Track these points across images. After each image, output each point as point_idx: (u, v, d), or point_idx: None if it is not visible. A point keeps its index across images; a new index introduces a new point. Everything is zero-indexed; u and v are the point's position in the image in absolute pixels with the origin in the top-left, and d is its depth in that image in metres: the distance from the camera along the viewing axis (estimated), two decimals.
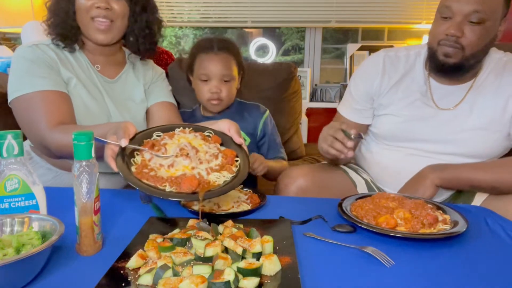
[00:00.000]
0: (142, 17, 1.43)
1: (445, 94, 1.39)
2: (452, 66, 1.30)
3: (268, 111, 1.78)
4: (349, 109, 1.55)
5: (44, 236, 0.82)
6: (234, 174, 1.04)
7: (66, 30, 1.36)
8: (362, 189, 1.48)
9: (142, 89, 1.54)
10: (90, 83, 1.42)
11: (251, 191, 1.25)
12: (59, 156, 1.35)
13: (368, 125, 1.54)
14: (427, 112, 1.39)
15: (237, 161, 1.07)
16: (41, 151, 1.42)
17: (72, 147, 0.83)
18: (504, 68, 1.36)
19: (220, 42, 1.62)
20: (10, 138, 0.86)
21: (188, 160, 1.01)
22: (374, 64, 1.49)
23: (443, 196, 1.40)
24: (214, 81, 1.59)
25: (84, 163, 0.84)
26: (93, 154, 0.85)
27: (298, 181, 1.36)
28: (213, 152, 1.06)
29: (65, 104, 1.33)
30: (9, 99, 1.34)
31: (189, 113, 1.79)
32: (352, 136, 1.20)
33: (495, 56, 1.38)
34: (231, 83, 1.63)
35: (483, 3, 1.22)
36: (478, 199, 1.32)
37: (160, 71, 1.66)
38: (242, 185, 1.29)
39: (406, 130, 1.40)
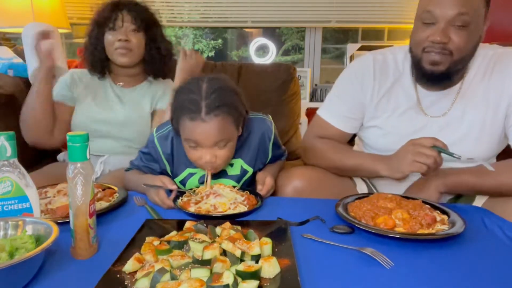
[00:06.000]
0: (154, 45, 1.80)
1: (434, 101, 1.34)
2: (440, 74, 1.24)
3: (273, 126, 1.41)
4: (337, 116, 1.45)
5: (38, 240, 0.81)
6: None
7: (95, 61, 1.77)
8: (361, 188, 1.47)
9: (149, 104, 1.82)
10: (106, 97, 1.81)
11: (248, 192, 1.24)
12: None
13: (351, 135, 1.48)
14: (419, 122, 1.35)
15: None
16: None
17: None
18: (490, 64, 1.30)
19: (210, 97, 1.19)
20: (3, 140, 0.85)
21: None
22: (365, 69, 1.41)
23: (444, 198, 1.37)
24: (206, 150, 1.22)
25: (79, 165, 0.84)
26: (88, 156, 0.84)
27: (293, 182, 1.33)
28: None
29: (61, 112, 1.76)
30: None
31: None
32: (456, 155, 1.12)
33: (479, 53, 1.30)
34: (229, 145, 1.25)
35: (467, 5, 1.16)
36: (479, 201, 1.30)
37: (168, 88, 1.86)
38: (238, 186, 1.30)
39: (398, 143, 1.28)
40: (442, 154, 1.16)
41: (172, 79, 1.83)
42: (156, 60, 1.82)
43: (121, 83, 1.86)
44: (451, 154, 1.13)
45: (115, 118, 1.75)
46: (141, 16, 1.74)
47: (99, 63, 1.79)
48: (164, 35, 1.86)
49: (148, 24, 1.77)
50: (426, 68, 1.25)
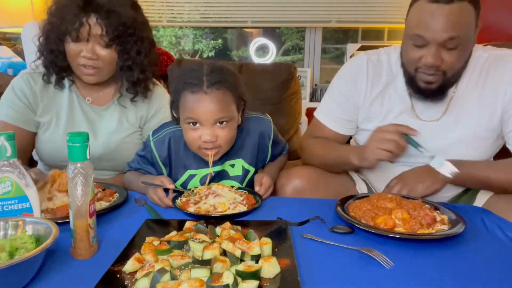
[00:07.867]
0: (125, 64, 1.42)
1: (428, 106, 1.32)
2: (434, 90, 1.24)
3: (272, 126, 1.40)
4: (332, 118, 1.44)
5: (38, 240, 0.81)
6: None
7: (55, 70, 1.42)
8: (361, 188, 1.47)
9: (134, 121, 1.53)
10: (73, 121, 1.47)
11: (246, 192, 1.24)
12: None
13: (347, 137, 1.48)
14: (412, 126, 1.29)
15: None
16: None
17: None
18: (484, 68, 1.28)
19: (212, 73, 1.20)
20: (3, 140, 0.85)
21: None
22: (358, 70, 1.40)
23: (446, 195, 1.37)
24: (206, 128, 1.21)
25: (78, 165, 0.83)
26: (88, 156, 0.84)
27: (293, 181, 1.33)
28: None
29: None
30: None
31: None
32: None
33: (473, 56, 1.28)
34: (229, 125, 1.24)
35: (458, 28, 1.13)
36: (479, 201, 1.30)
37: (158, 106, 1.55)
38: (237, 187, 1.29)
39: None
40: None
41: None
42: (130, 81, 1.45)
43: (89, 99, 1.50)
44: (415, 146, 1.13)
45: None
46: (115, 26, 1.33)
47: (57, 71, 1.43)
48: (143, 50, 1.44)
49: (124, 35, 1.37)
50: (420, 86, 1.25)
